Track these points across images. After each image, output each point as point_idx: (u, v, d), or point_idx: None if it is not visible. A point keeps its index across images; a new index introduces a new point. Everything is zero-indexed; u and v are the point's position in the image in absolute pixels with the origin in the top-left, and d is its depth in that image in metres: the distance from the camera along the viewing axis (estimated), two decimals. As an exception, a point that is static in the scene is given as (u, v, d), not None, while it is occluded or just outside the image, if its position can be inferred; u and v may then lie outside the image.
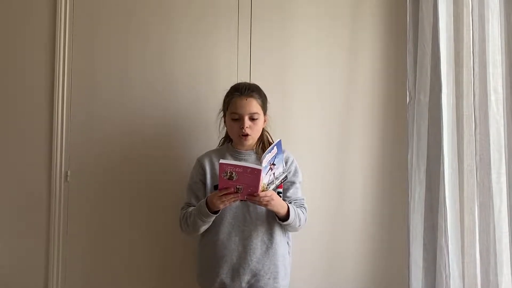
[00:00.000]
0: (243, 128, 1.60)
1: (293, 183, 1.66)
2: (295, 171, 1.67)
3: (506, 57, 1.50)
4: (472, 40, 1.58)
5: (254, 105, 1.61)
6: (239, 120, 1.61)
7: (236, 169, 1.39)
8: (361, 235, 1.91)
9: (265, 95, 1.68)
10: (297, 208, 1.61)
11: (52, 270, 1.85)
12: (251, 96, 1.62)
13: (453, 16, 1.67)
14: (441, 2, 1.69)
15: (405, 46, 1.86)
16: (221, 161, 1.41)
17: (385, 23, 1.95)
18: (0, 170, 1.89)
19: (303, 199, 1.66)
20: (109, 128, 1.89)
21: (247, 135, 1.61)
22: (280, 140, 1.49)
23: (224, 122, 1.70)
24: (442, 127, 1.67)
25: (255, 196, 1.45)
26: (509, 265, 1.47)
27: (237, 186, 1.43)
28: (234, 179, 1.41)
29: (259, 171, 1.38)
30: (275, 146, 1.46)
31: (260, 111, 1.63)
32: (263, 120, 1.66)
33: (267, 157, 1.43)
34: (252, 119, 1.61)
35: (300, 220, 1.59)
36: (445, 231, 1.64)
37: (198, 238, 1.67)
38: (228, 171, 1.40)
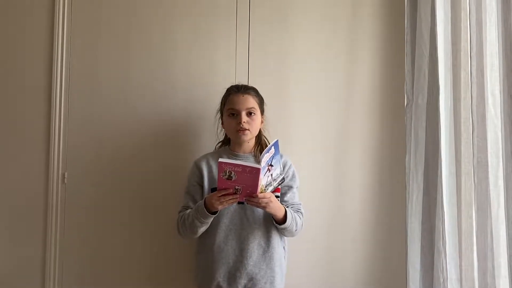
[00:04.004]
0: (240, 123, 1.60)
1: (290, 187, 1.66)
2: (293, 176, 1.67)
3: (503, 60, 1.50)
4: (470, 43, 1.58)
5: (251, 101, 1.62)
6: (236, 116, 1.61)
7: (235, 169, 1.39)
8: (359, 238, 1.91)
9: (262, 97, 1.69)
10: (294, 213, 1.60)
11: (48, 272, 1.84)
12: (248, 93, 1.63)
13: (451, 19, 1.68)
14: (438, 6, 1.70)
15: (403, 49, 1.87)
16: (220, 160, 1.41)
17: (383, 26, 1.96)
18: (-3, 171, 1.89)
19: (300, 204, 1.66)
20: (106, 130, 1.89)
21: (244, 129, 1.61)
22: (277, 140, 1.48)
23: (222, 123, 1.70)
24: (440, 130, 1.67)
25: (253, 197, 1.44)
26: (507, 268, 1.47)
27: (236, 187, 1.42)
28: (233, 179, 1.40)
29: (258, 170, 1.38)
30: (273, 146, 1.46)
31: (257, 108, 1.64)
32: (260, 118, 1.66)
33: (265, 157, 1.42)
34: (249, 114, 1.62)
35: (296, 224, 1.59)
36: (442, 234, 1.63)
37: (196, 241, 1.66)
38: (227, 171, 1.39)
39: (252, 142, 1.69)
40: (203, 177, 1.63)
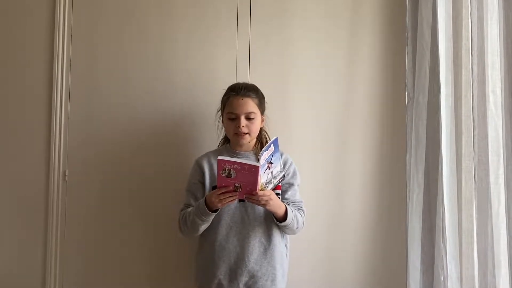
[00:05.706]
0: (239, 127, 1.60)
1: (291, 185, 1.66)
2: (294, 173, 1.67)
3: (504, 58, 1.50)
4: (471, 41, 1.58)
5: (250, 105, 1.62)
6: (236, 119, 1.61)
7: (234, 166, 1.38)
8: (359, 237, 1.91)
9: (262, 94, 1.68)
10: (295, 210, 1.60)
11: (49, 270, 1.85)
12: (248, 96, 1.62)
13: (452, 17, 1.67)
14: (440, 4, 1.69)
15: (404, 47, 1.86)
16: (219, 157, 1.40)
17: (384, 25, 1.95)
18: (-2, 170, 1.90)
19: (301, 202, 1.66)
20: (107, 128, 1.89)
21: (243, 134, 1.61)
22: (277, 137, 1.48)
23: (222, 122, 1.70)
24: (441, 128, 1.66)
25: (253, 195, 1.44)
26: (507, 266, 1.47)
27: (236, 185, 1.42)
28: (232, 177, 1.40)
29: (257, 168, 1.37)
30: (272, 144, 1.45)
31: (257, 111, 1.64)
32: (260, 120, 1.66)
33: (265, 155, 1.42)
34: (248, 118, 1.62)
35: (298, 222, 1.59)
36: (443, 232, 1.63)
37: (196, 239, 1.67)
38: (227, 168, 1.39)
39: (252, 141, 1.69)
40: (204, 175, 1.64)
